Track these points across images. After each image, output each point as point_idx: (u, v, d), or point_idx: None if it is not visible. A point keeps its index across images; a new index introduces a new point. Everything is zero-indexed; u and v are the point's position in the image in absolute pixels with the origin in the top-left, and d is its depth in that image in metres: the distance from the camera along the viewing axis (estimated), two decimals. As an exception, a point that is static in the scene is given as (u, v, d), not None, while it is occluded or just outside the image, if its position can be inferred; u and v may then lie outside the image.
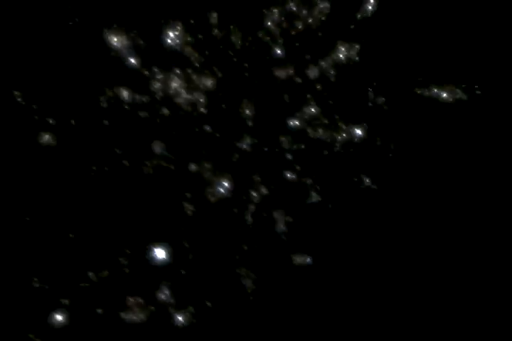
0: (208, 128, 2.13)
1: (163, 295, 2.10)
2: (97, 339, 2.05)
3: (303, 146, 2.15)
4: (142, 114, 2.11)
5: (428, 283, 2.15)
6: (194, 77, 2.10)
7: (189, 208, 2.14)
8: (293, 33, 2.08)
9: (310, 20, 2.04)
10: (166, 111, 2.11)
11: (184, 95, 2.10)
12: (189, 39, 2.05)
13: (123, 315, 2.06)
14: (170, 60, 2.08)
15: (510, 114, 2.13)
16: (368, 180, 2.14)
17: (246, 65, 2.10)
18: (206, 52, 2.09)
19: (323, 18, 2.05)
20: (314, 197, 2.16)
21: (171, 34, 2.04)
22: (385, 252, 2.16)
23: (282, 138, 2.15)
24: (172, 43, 2.05)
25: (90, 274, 2.08)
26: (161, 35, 2.06)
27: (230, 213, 2.15)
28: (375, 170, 2.14)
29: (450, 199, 2.15)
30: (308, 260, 2.19)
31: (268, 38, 2.07)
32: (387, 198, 2.15)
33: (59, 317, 2.04)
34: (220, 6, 2.05)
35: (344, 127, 2.13)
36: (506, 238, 2.13)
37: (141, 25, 2.06)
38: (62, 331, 2.04)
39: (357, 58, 2.09)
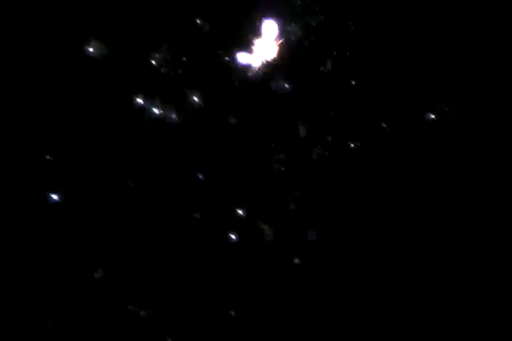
0: (198, 144, 2.10)
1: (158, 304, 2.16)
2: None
3: (296, 159, 2.15)
4: (127, 129, 2.06)
5: (425, 284, 2.21)
6: (183, 89, 2.05)
7: (185, 218, 2.16)
8: (286, 44, 2.01)
9: (302, 34, 1.97)
10: (152, 125, 2.07)
11: (171, 110, 2.05)
12: (176, 52, 1.97)
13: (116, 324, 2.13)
14: (156, 74, 2.01)
15: (499, 126, 2.14)
16: (362, 192, 2.16)
17: (235, 78, 2.04)
18: (194, 66, 2.02)
19: (316, 31, 1.98)
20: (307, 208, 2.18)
21: (157, 48, 1.95)
22: (381, 257, 2.20)
23: (275, 150, 2.14)
24: (157, 58, 1.97)
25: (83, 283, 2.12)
26: (147, 48, 1.98)
27: (223, 226, 2.17)
28: (369, 183, 2.16)
29: (445, 208, 2.18)
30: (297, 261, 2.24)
31: (259, 51, 2.00)
32: (382, 209, 2.17)
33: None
34: (210, 18, 1.95)
35: (336, 141, 2.12)
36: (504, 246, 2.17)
37: (126, 38, 1.96)
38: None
39: (348, 71, 2.05)
